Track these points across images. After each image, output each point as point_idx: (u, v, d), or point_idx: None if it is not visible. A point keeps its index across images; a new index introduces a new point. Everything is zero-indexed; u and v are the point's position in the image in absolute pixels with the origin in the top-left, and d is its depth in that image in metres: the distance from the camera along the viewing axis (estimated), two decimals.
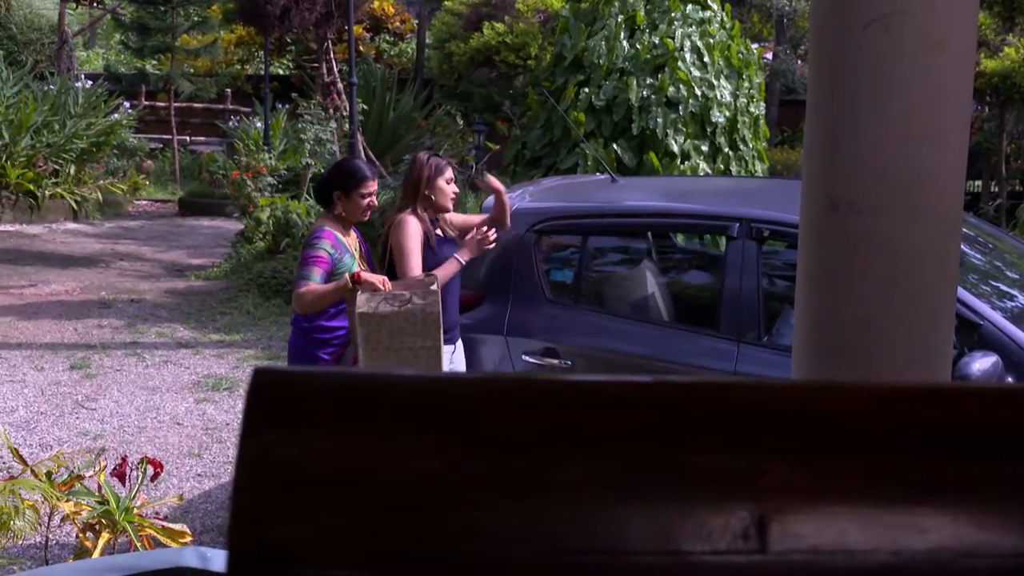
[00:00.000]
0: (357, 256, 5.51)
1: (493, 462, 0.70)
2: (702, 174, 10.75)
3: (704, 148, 10.94)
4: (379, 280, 5.14)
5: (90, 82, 20.25)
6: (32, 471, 4.68)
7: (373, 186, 5.53)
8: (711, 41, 11.33)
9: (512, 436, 0.71)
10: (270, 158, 15.65)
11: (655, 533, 0.68)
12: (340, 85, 15.57)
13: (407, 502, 0.68)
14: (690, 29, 11.28)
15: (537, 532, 0.68)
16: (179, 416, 7.94)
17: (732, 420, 0.72)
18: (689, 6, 11.51)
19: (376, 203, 5.59)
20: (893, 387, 0.78)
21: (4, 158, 17.11)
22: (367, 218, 5.60)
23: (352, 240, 5.56)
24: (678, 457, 0.71)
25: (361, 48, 22.86)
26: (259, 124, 18.30)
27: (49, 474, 4.70)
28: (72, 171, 18.11)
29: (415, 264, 5.35)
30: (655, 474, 0.70)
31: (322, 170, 14.11)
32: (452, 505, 0.68)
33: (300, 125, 15.03)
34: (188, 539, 4.57)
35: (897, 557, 0.68)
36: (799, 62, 21.95)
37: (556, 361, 5.53)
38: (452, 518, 0.68)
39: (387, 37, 25.87)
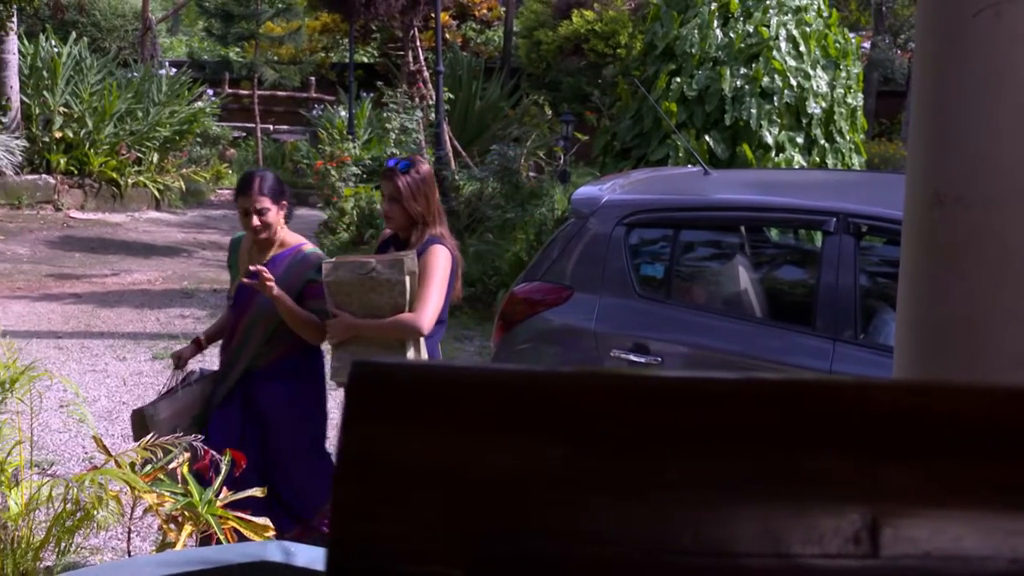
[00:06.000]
0: (241, 272, 4.85)
1: (596, 460, 0.69)
2: (797, 167, 10.61)
3: (799, 140, 10.76)
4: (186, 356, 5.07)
5: (174, 69, 20.45)
6: (116, 461, 4.64)
7: (247, 202, 4.70)
8: (807, 30, 11.15)
9: (616, 434, 0.69)
10: (354, 147, 15.66)
11: (764, 535, 0.67)
12: (426, 73, 15.54)
13: (508, 500, 0.67)
14: (786, 17, 11.10)
15: (641, 532, 0.67)
16: None
17: (843, 420, 0.70)
18: None
19: (259, 224, 4.72)
20: (1007, 388, 0.74)
21: (87, 146, 17.31)
22: (260, 236, 4.78)
23: (259, 255, 4.87)
24: (787, 458, 0.69)
25: (447, 36, 22.84)
26: (343, 113, 18.38)
27: (132, 464, 4.67)
28: (155, 159, 18.30)
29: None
30: (764, 475, 0.69)
31: None
32: (553, 504, 0.67)
33: (385, 114, 15.01)
34: (271, 533, 4.54)
35: (1016, 565, 0.66)
36: (898, 51, 21.52)
37: (646, 358, 5.46)
38: (553, 517, 0.67)
39: (474, 25, 25.83)
